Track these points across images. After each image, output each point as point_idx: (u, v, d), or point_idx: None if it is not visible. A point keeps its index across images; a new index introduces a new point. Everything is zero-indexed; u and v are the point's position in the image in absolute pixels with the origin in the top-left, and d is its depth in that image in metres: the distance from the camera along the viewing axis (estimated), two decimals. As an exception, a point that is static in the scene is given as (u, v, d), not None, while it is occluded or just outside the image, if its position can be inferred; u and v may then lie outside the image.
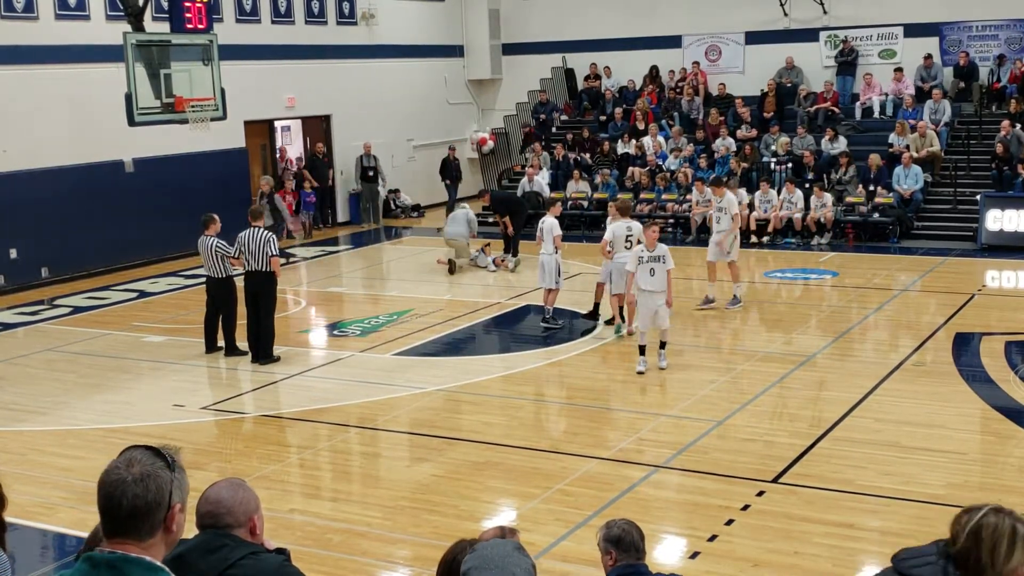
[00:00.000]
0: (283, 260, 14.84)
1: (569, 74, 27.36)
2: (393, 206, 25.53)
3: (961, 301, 14.89)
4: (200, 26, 14.83)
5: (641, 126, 24.12)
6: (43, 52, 18.04)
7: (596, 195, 22.28)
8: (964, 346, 12.66)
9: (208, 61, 14.95)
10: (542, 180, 22.49)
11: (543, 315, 14.05)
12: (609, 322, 13.82)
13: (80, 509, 8.11)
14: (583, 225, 22.00)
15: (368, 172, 24.09)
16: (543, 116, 26.00)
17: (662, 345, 12.02)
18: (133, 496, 2.59)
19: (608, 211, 15.05)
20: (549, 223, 13.76)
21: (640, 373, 11.80)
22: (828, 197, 20.06)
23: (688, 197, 21.18)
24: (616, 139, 24.08)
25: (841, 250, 19.30)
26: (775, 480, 8.60)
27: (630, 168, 22.86)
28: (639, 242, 12.58)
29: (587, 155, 23.95)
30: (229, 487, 3.42)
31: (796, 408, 10.73)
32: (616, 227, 13.26)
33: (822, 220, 19.93)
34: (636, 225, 13.29)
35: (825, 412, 10.40)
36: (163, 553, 2.68)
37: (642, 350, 11.91)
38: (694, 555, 7.34)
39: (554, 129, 25.95)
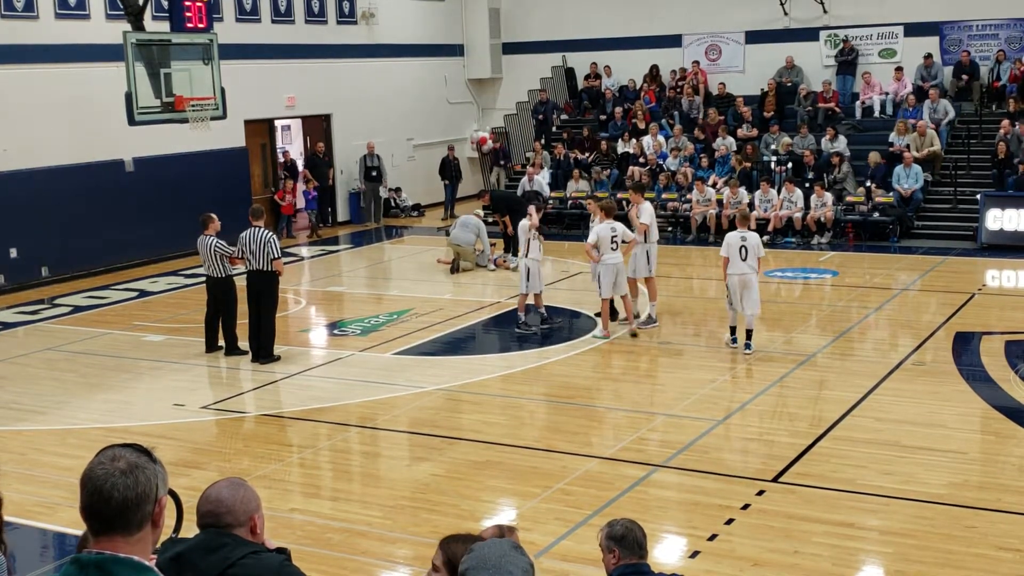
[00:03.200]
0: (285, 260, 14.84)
1: (569, 73, 27.36)
2: (393, 205, 25.54)
3: (961, 300, 14.89)
4: (200, 25, 14.83)
5: (641, 126, 24.12)
6: (43, 52, 18.04)
7: (597, 194, 22.26)
8: (964, 345, 12.65)
9: (208, 60, 14.94)
10: (542, 180, 22.51)
11: (516, 319, 14.07)
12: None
13: (80, 508, 8.08)
14: (583, 225, 21.99)
15: (371, 172, 24.12)
16: (543, 115, 25.98)
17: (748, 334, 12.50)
18: (124, 488, 2.57)
19: (590, 210, 14.90)
20: (522, 226, 13.88)
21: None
22: (828, 196, 20.06)
23: (689, 197, 21.20)
24: (616, 139, 24.09)
25: (841, 249, 19.31)
26: (775, 479, 8.60)
27: (630, 168, 22.86)
28: (623, 242, 13.09)
29: (587, 154, 23.95)
30: (230, 486, 3.42)
31: (796, 407, 10.73)
32: (601, 228, 13.19)
33: (822, 220, 19.93)
34: (620, 226, 13.31)
35: (825, 411, 10.40)
36: (150, 550, 2.67)
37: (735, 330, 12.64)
38: (694, 554, 7.34)
39: (554, 128, 25.97)
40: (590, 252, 13.16)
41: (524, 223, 13.93)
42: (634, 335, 13.34)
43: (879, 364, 11.99)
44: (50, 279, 18.20)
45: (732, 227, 20.43)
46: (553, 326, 13.90)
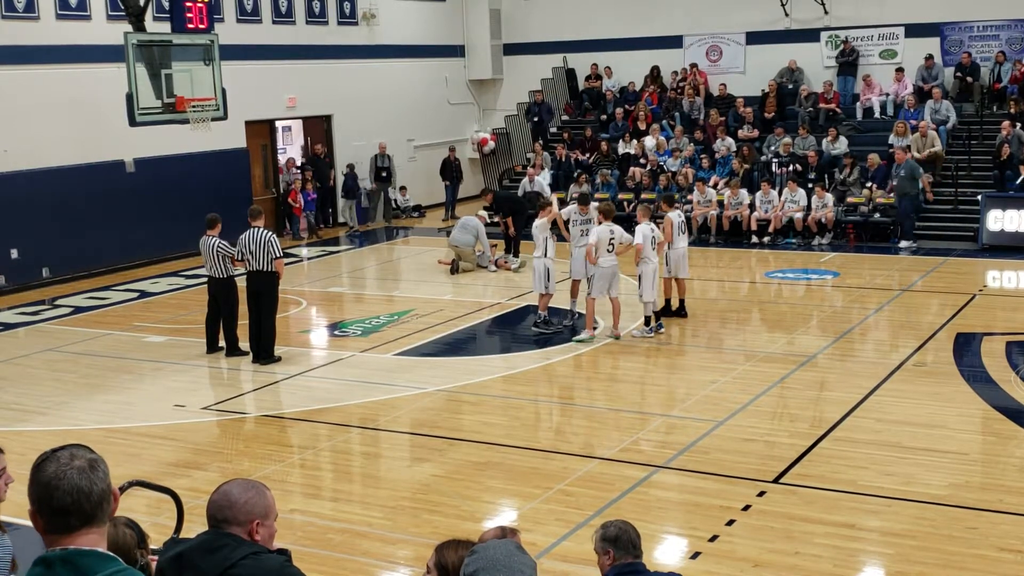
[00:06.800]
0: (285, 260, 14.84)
1: (570, 74, 27.36)
2: (395, 206, 25.54)
3: (962, 301, 14.89)
4: (201, 26, 14.85)
5: (642, 127, 24.11)
6: (43, 52, 18.04)
7: (597, 195, 22.26)
8: (965, 346, 12.65)
9: (209, 61, 14.96)
10: (543, 180, 22.50)
11: (535, 319, 14.02)
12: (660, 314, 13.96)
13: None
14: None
15: (382, 172, 24.18)
16: (538, 117, 25.95)
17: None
18: (99, 481, 2.71)
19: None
20: (537, 225, 13.80)
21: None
22: (829, 197, 20.06)
23: (689, 197, 21.20)
24: (617, 139, 24.09)
25: (842, 250, 19.31)
26: (776, 480, 8.59)
27: (631, 168, 22.86)
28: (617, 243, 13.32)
29: (588, 155, 23.93)
30: (242, 486, 3.43)
31: (797, 408, 10.72)
32: (600, 231, 13.17)
33: (823, 220, 19.93)
34: (617, 228, 13.31)
35: (826, 412, 10.40)
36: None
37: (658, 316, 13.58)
38: (695, 555, 7.34)
39: (554, 129, 25.96)
40: (590, 253, 13.09)
41: (540, 221, 13.83)
42: (616, 337, 13.32)
43: (880, 365, 11.99)
44: (51, 280, 18.21)
45: (732, 228, 20.60)
46: (543, 332, 13.83)
